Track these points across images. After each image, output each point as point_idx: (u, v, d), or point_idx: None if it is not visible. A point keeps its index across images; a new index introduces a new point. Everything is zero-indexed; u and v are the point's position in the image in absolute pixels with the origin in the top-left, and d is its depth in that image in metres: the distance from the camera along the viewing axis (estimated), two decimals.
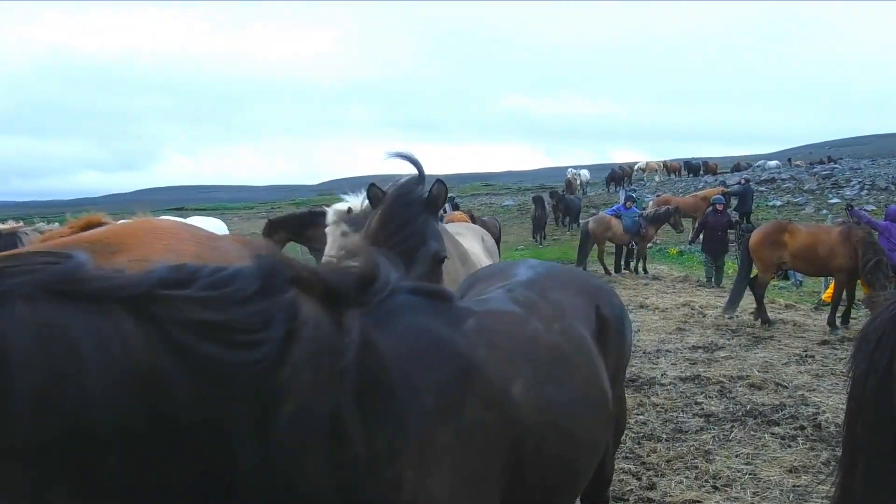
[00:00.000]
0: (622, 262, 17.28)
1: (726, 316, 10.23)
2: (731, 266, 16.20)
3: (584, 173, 32.46)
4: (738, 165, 46.04)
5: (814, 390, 6.48)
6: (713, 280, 14.59)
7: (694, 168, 44.10)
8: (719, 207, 15.29)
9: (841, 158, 44.02)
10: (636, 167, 39.89)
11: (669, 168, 44.59)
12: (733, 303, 10.31)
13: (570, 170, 34.32)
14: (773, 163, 43.64)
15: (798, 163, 44.37)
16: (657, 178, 37.10)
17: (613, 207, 20.78)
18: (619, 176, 37.27)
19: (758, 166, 43.44)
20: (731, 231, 15.36)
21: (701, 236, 15.53)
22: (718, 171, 43.50)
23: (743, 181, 24.39)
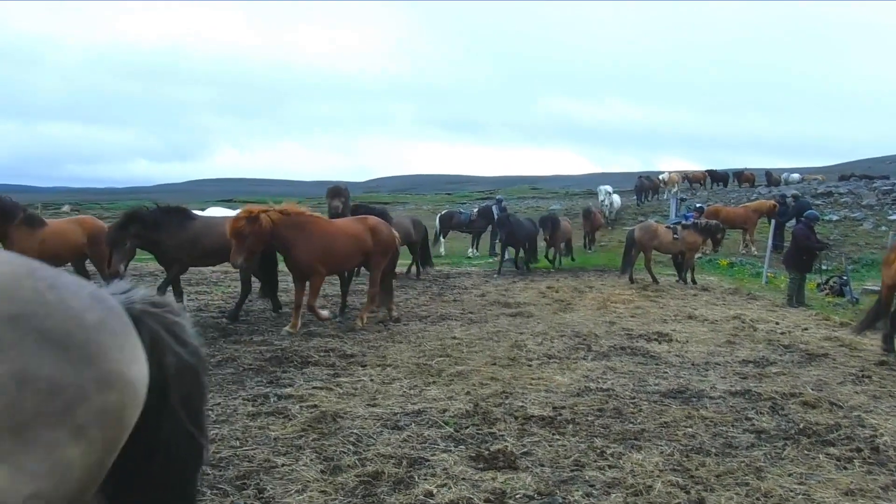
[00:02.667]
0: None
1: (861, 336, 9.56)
2: (782, 280, 15.83)
3: (616, 199, 28.83)
4: (769, 175, 44.79)
5: (871, 412, 6.34)
6: (794, 299, 13.56)
7: (721, 178, 42.40)
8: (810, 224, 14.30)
9: (866, 176, 42.15)
10: (660, 177, 38.40)
11: (692, 179, 42.40)
12: (866, 326, 9.54)
13: (601, 189, 30.90)
14: (795, 176, 42.91)
15: (818, 177, 42.70)
16: (674, 190, 35.74)
17: (674, 219, 20.67)
18: (646, 187, 35.94)
19: (784, 177, 42.53)
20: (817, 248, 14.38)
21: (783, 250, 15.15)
22: (756, 183, 42.27)
23: (792, 197, 23.86)
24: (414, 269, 16.91)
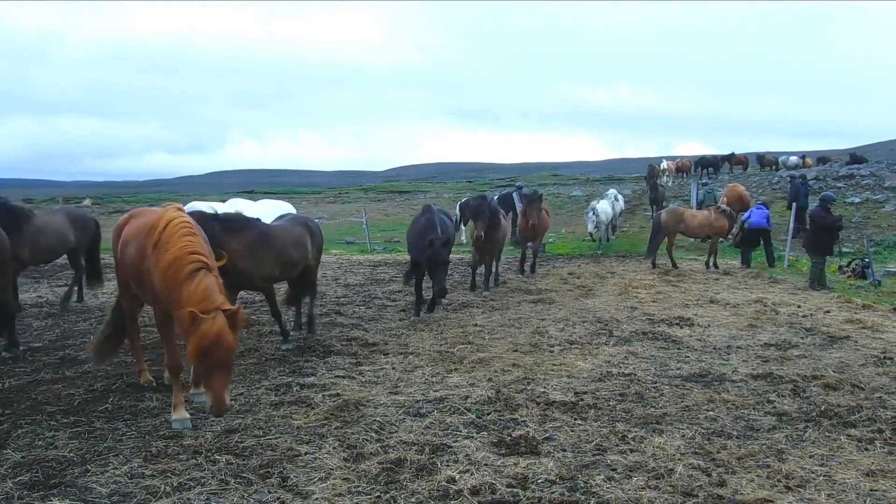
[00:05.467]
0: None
1: None
2: (804, 263, 15.66)
3: (603, 210, 23.71)
4: (762, 158, 43.70)
5: (892, 393, 6.30)
6: (817, 282, 13.37)
7: (710, 163, 40.09)
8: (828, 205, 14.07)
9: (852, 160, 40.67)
10: (661, 166, 37.37)
11: (680, 168, 40.26)
12: None
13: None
14: (793, 158, 41.94)
15: (810, 161, 41.32)
16: (665, 178, 34.75)
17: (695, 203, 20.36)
18: (657, 172, 34.26)
19: (782, 161, 41.58)
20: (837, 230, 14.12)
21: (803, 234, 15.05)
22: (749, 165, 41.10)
23: (790, 178, 23.72)
24: (75, 289, 11.13)
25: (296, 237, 8.15)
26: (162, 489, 4.18)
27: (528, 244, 15.22)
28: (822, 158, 43.13)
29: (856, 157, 40.85)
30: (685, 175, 39.71)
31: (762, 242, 16.97)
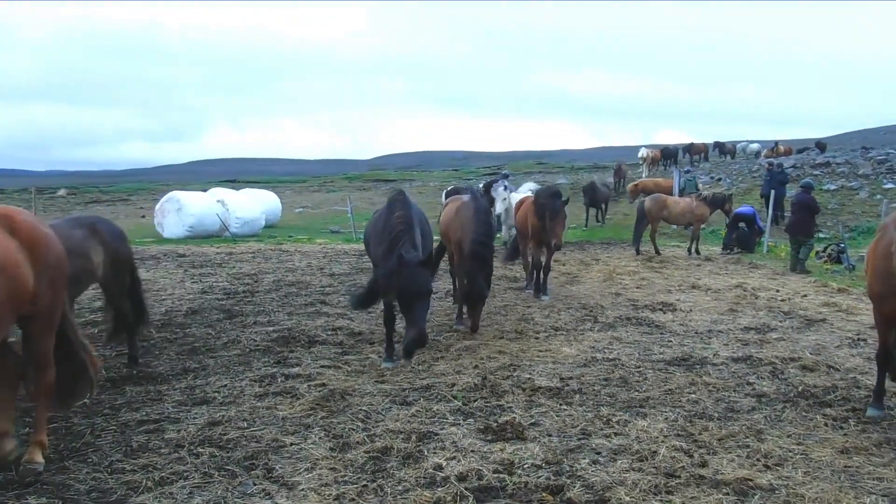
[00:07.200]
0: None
1: None
2: (782, 249, 15.89)
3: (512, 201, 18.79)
4: (721, 146, 43.95)
5: (866, 373, 6.46)
6: (804, 263, 13.96)
7: (671, 154, 39.98)
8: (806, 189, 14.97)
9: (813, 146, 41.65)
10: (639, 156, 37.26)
11: (645, 158, 38.25)
12: None
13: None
14: (754, 145, 42.50)
15: (783, 149, 41.76)
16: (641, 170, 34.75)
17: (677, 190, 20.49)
18: (623, 172, 32.93)
19: (740, 147, 42.08)
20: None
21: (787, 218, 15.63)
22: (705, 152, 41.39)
23: (768, 166, 24.15)
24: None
25: (73, 245, 5.66)
26: (143, 484, 4.10)
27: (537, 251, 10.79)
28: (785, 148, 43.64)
29: (820, 144, 42.97)
30: (656, 164, 39.18)
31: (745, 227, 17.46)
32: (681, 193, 22.09)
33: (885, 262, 5.01)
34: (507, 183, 19.01)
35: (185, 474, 4.26)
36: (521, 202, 12.20)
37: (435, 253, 7.15)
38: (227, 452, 4.62)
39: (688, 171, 28.14)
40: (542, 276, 10.61)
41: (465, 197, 8.92)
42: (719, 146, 44.31)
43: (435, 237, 8.31)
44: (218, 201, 23.04)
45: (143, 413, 5.40)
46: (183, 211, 22.05)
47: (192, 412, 5.38)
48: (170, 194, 23.16)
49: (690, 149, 42.09)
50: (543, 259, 10.59)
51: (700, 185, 23.82)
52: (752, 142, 45.05)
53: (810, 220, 14.40)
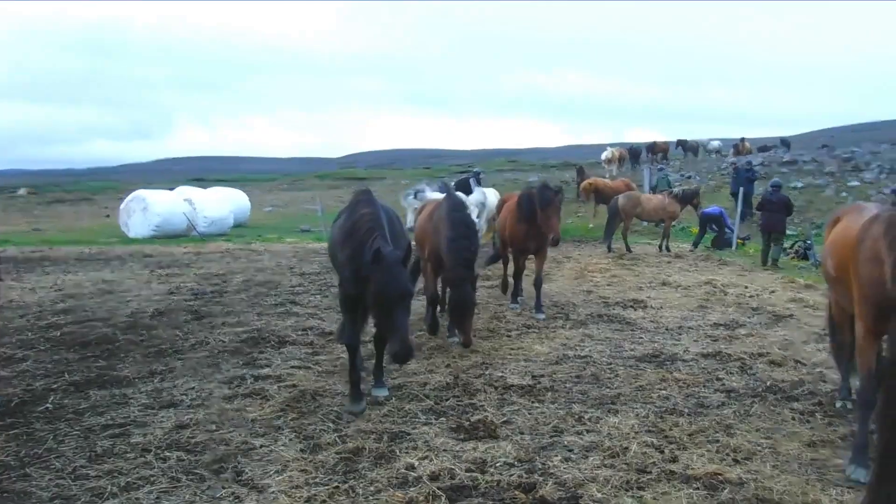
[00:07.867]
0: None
1: None
2: (751, 246, 16.19)
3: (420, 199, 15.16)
4: (683, 143, 44.53)
5: (832, 368, 6.55)
6: (768, 261, 14.50)
7: (636, 153, 40.55)
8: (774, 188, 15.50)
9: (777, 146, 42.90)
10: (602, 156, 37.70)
11: (611, 159, 37.57)
12: None
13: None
14: (715, 143, 43.75)
15: (748, 146, 42.56)
16: (606, 167, 35.27)
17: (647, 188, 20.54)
18: (585, 174, 32.13)
19: (701, 146, 43.08)
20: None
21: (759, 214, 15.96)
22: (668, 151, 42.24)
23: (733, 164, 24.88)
24: None
25: None
26: (108, 490, 4.00)
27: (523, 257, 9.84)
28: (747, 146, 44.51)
29: (784, 141, 45.44)
30: (621, 163, 38.96)
31: (714, 228, 17.90)
32: (653, 191, 22.37)
33: (875, 269, 4.01)
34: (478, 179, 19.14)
35: (152, 479, 4.15)
36: (501, 203, 10.85)
37: (413, 264, 5.41)
38: (196, 456, 4.52)
39: (661, 169, 28.48)
40: (533, 289, 9.36)
41: (438, 196, 8.51)
42: (682, 144, 44.93)
43: None
44: (185, 200, 22.65)
45: (108, 417, 5.26)
46: (149, 210, 21.61)
47: (159, 415, 5.25)
48: (135, 193, 22.67)
49: (653, 147, 42.61)
50: (535, 268, 9.56)
51: (671, 182, 24.17)
52: (713, 139, 45.84)
53: (783, 216, 14.91)
